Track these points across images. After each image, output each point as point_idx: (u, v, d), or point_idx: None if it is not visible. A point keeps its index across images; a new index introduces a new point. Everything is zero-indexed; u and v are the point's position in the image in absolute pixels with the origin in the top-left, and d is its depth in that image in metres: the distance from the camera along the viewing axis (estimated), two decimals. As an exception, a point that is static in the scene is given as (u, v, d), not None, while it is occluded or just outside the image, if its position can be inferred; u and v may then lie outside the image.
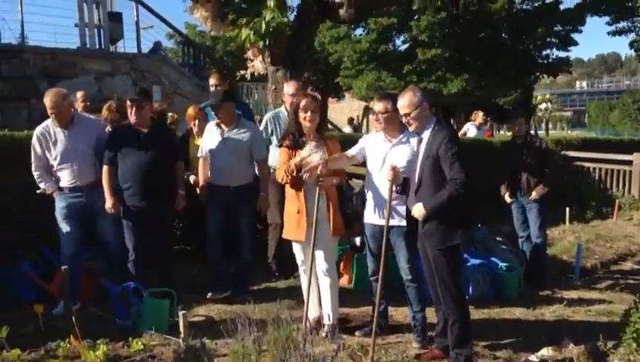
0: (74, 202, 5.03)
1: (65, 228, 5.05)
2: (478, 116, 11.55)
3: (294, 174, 4.38)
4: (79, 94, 6.82)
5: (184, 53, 16.62)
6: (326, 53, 24.06)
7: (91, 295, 5.21)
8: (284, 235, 4.77)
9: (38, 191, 5.08)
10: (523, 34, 19.64)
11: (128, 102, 5.00)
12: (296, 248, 4.69)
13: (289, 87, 5.92)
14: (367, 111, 26.94)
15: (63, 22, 15.58)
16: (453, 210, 3.86)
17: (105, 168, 5.03)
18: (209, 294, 5.33)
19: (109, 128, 5.68)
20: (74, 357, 4.01)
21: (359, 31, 22.77)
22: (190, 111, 6.28)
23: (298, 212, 4.51)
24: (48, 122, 5.05)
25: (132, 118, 5.00)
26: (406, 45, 21.85)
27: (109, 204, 4.98)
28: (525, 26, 19.43)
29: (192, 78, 13.80)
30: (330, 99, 28.83)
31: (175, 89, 12.89)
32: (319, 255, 4.48)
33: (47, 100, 4.92)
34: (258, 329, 3.89)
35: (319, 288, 4.64)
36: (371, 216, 4.46)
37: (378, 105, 4.38)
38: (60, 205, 5.05)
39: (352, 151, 4.58)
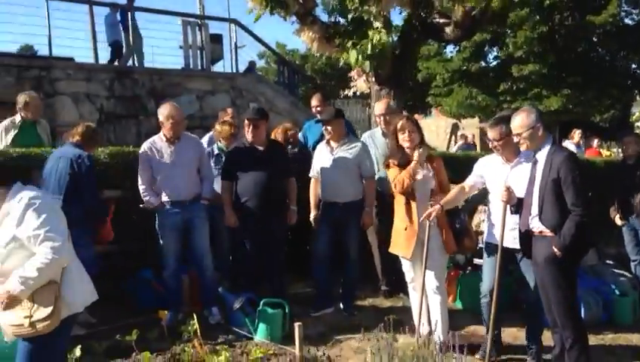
0: (173, 217, 5.14)
1: (166, 243, 5.16)
2: (576, 134, 11.20)
3: (415, 178, 4.49)
4: (230, 110, 6.92)
5: (279, 72, 17.07)
6: (414, 70, 23.96)
7: (199, 302, 5.40)
8: (392, 249, 4.82)
9: (141, 206, 5.22)
10: (628, 49, 18.73)
11: (246, 121, 5.23)
12: (406, 265, 4.75)
13: (378, 107, 6.02)
14: (455, 128, 26.57)
15: (164, 43, 16.41)
16: None
17: (224, 183, 5.29)
18: (313, 312, 5.44)
19: (219, 143, 5.91)
20: (197, 361, 4.19)
21: (449, 48, 22.57)
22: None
23: (406, 229, 4.59)
24: (155, 137, 5.23)
25: (249, 136, 5.22)
26: (497, 61, 21.41)
27: (229, 218, 5.22)
28: (630, 40, 18.58)
29: (287, 95, 14.13)
30: (416, 115, 28.59)
31: (271, 106, 13.20)
32: (430, 272, 4.52)
33: (168, 111, 5.09)
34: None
35: (428, 306, 4.67)
36: (495, 237, 4.39)
37: (492, 133, 4.38)
38: (161, 220, 5.19)
39: (469, 182, 4.62)
